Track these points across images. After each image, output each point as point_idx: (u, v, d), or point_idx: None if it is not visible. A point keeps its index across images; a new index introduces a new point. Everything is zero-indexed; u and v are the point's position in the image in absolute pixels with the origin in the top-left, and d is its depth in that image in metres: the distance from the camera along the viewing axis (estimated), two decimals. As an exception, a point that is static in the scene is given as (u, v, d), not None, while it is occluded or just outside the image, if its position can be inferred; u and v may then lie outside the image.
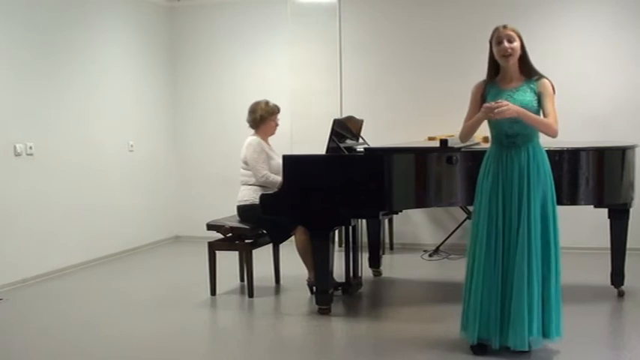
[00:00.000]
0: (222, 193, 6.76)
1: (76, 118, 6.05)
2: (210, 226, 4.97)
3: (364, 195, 4.22)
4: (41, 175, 5.63)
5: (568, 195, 4.35)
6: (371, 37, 6.86)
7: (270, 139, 5.16)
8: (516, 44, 3.41)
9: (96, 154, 6.29)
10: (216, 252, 4.93)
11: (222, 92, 7.31)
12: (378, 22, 6.84)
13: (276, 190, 4.60)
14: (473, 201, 3.62)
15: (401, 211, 5.82)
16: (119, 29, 6.68)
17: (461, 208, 6.20)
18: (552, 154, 3.87)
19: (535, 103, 3.43)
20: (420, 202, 4.44)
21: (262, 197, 4.51)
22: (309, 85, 7.02)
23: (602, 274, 4.84)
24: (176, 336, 4.11)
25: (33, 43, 5.57)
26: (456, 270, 5.67)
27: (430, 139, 5.71)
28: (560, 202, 3.63)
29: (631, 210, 4.57)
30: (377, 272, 5.59)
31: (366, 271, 5.39)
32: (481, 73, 3.59)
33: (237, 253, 5.20)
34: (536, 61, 3.52)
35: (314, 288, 4.62)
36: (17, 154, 5.39)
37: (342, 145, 4.69)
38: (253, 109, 5.09)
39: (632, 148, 4.55)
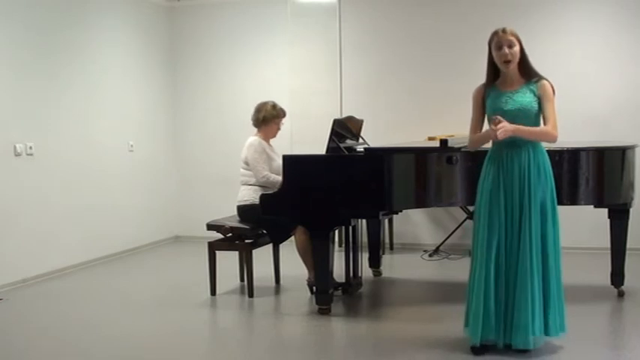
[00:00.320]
0: (222, 193, 6.75)
1: (76, 118, 6.05)
2: (210, 226, 4.97)
3: (364, 195, 4.22)
4: (41, 175, 5.63)
5: (568, 195, 4.34)
6: (371, 37, 6.86)
7: (271, 139, 5.16)
8: (516, 49, 3.40)
9: (96, 154, 6.29)
10: (216, 252, 4.93)
11: (222, 92, 7.31)
12: (378, 22, 6.84)
13: (276, 190, 4.60)
14: (473, 201, 3.62)
15: (401, 211, 5.83)
16: (119, 29, 6.68)
17: (461, 208, 6.20)
18: (552, 154, 3.86)
19: (535, 104, 3.43)
20: (420, 202, 4.44)
21: (262, 197, 4.51)
22: (309, 85, 7.02)
23: (602, 274, 4.84)
24: (176, 336, 4.11)
25: (33, 43, 5.57)
26: (456, 270, 5.68)
27: (430, 139, 5.70)
28: (560, 202, 3.63)
29: (631, 210, 4.57)
30: (377, 272, 5.59)
31: (366, 271, 5.39)
32: (481, 73, 3.58)
33: (237, 253, 5.20)
34: (536, 60, 3.52)
35: (314, 288, 4.61)
36: (17, 154, 5.39)
37: (342, 145, 4.68)
38: (259, 109, 5.09)
39: (632, 148, 4.55)
